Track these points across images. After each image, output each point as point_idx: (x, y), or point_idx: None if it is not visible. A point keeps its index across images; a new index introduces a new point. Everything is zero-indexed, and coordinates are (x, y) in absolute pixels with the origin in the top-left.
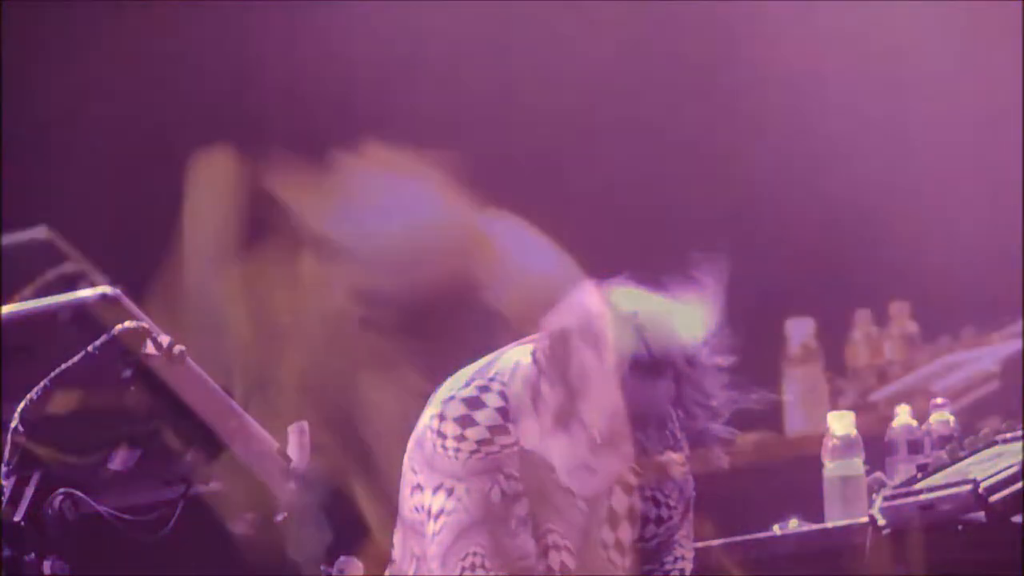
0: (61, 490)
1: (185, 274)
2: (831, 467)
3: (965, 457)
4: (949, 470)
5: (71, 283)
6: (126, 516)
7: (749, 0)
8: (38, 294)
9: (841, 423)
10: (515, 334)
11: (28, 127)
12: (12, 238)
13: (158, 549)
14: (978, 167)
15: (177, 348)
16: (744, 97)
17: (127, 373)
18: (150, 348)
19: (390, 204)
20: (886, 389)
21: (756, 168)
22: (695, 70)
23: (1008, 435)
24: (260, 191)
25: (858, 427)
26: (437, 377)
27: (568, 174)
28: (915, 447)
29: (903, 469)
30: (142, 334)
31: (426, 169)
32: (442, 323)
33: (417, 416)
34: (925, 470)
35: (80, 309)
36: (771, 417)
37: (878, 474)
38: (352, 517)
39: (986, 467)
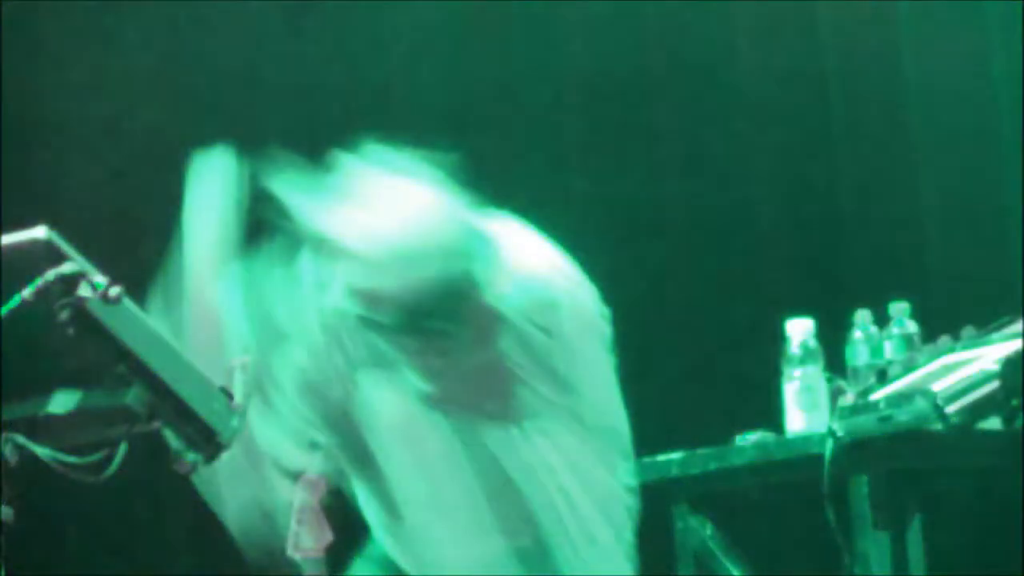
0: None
1: (185, 274)
2: (792, 376)
3: (924, 365)
4: (907, 380)
5: (71, 283)
6: (69, 459)
7: (750, 0)
8: (38, 294)
9: (799, 330)
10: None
11: (28, 127)
12: (12, 238)
13: (106, 491)
14: (978, 167)
15: (114, 290)
16: (745, 95)
17: (64, 316)
18: (86, 291)
19: (390, 204)
20: (886, 389)
21: (756, 167)
22: (696, 69)
23: (963, 344)
24: (260, 190)
25: (858, 427)
26: (437, 377)
27: (568, 174)
28: (876, 352)
29: (863, 374)
30: (77, 277)
31: (426, 169)
32: (442, 323)
33: (416, 416)
34: (883, 377)
35: (79, 307)
36: (771, 417)
37: (840, 383)
38: (352, 517)
39: (943, 378)
